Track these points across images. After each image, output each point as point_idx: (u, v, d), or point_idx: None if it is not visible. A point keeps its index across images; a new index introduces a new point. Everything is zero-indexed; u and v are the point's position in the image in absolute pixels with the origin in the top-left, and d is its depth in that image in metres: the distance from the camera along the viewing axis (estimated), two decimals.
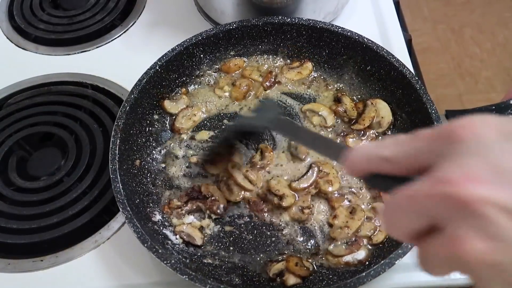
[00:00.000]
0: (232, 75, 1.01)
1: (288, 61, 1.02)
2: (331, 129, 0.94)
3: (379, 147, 0.43)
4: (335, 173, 0.87)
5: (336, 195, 0.86)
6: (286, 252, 0.81)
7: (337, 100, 0.96)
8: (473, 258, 0.33)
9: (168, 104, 0.96)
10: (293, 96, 0.99)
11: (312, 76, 1.00)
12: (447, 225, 0.36)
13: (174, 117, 0.95)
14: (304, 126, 0.93)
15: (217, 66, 1.01)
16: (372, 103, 0.93)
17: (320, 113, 0.94)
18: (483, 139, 0.36)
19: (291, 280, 0.77)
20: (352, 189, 0.86)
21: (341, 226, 0.81)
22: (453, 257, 0.35)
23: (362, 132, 0.92)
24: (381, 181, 0.45)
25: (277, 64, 1.02)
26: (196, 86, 1.00)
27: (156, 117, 0.95)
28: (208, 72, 1.01)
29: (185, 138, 0.94)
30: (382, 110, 0.93)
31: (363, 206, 0.84)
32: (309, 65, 1.00)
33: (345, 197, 0.85)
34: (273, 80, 0.99)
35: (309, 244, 0.82)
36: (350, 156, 0.46)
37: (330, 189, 0.86)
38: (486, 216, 0.33)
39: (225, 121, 0.96)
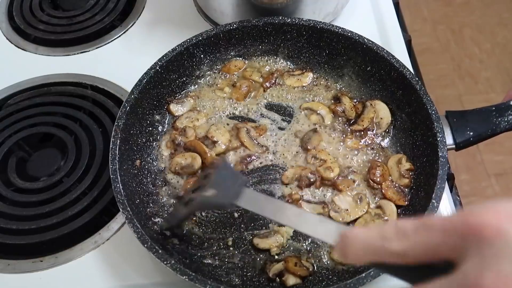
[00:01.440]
0: (232, 75, 1.01)
1: (290, 65, 1.02)
2: (328, 128, 0.94)
3: (382, 238, 0.40)
4: (332, 159, 0.88)
5: (340, 179, 0.87)
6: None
7: (337, 100, 0.96)
8: None
9: (173, 107, 0.96)
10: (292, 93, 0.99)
11: (313, 84, 1.00)
12: None
13: (177, 117, 0.96)
14: (276, 199, 0.85)
15: (218, 67, 1.01)
16: (371, 104, 0.93)
17: (318, 111, 0.95)
18: (508, 237, 0.34)
19: (291, 280, 0.77)
20: (352, 169, 0.88)
21: (340, 208, 0.82)
22: None
23: (362, 132, 0.92)
24: (388, 267, 0.41)
25: (278, 67, 1.02)
26: (198, 87, 1.00)
27: (157, 117, 0.95)
28: (208, 73, 1.01)
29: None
30: (381, 111, 0.93)
31: (370, 200, 0.85)
32: (310, 74, 1.00)
33: (349, 177, 0.87)
34: (273, 81, 0.99)
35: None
36: (344, 246, 0.43)
37: (331, 175, 0.86)
38: None
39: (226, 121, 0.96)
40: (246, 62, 1.02)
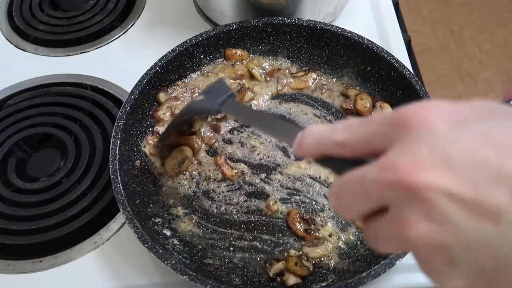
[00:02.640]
0: (232, 62, 1.00)
1: (293, 66, 1.01)
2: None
3: (331, 131, 0.44)
4: None
5: None
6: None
7: (345, 96, 0.97)
8: (417, 238, 0.35)
9: (162, 97, 0.95)
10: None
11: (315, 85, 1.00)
12: (394, 208, 0.37)
13: (159, 105, 0.95)
14: (256, 109, 0.92)
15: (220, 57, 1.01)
16: (380, 106, 0.93)
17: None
18: (432, 127, 0.37)
19: (291, 280, 0.77)
20: None
21: None
22: (399, 236, 0.37)
23: None
24: (333, 163, 0.46)
25: (280, 66, 1.02)
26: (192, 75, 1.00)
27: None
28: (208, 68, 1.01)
29: None
30: None
31: None
32: (313, 74, 1.00)
33: None
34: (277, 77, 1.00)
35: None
36: (301, 139, 0.47)
37: None
38: (431, 200, 0.34)
39: None
40: (250, 56, 1.02)
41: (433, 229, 0.35)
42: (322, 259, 0.80)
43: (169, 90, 0.96)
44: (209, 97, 0.78)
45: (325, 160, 0.46)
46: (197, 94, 0.91)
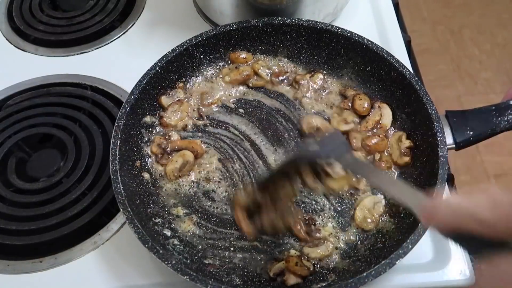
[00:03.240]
0: (236, 64, 1.00)
1: (297, 68, 1.02)
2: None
3: (473, 205, 0.40)
4: None
5: None
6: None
7: (343, 96, 0.97)
8: None
9: (164, 100, 0.95)
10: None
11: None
12: None
13: (163, 111, 0.96)
14: (374, 167, 0.87)
15: (225, 59, 1.01)
16: (378, 106, 0.93)
17: None
18: None
19: (292, 279, 0.76)
20: None
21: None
22: None
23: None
24: (467, 240, 0.41)
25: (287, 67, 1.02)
26: (195, 79, 1.00)
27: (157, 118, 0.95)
28: (209, 68, 1.01)
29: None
30: (384, 116, 0.93)
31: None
32: (319, 75, 1.00)
33: None
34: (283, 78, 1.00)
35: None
36: (433, 207, 0.44)
37: None
38: None
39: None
40: (254, 58, 1.02)
41: None
42: (322, 259, 0.80)
43: (170, 93, 0.96)
44: (326, 147, 0.73)
45: (457, 236, 0.43)
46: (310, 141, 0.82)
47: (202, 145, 0.93)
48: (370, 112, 0.93)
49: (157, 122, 0.94)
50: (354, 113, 0.94)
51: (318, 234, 0.82)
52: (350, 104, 0.95)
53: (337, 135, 0.78)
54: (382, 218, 0.83)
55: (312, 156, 0.74)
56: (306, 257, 0.79)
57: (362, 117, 0.94)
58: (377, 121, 0.92)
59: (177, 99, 0.96)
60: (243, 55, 1.00)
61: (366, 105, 0.94)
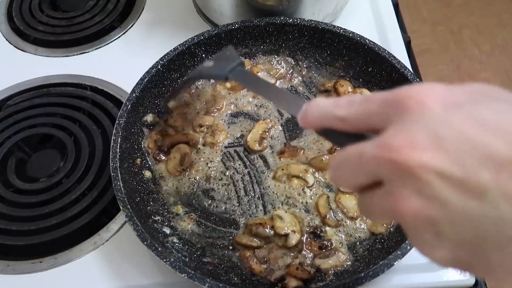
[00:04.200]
0: None
1: (299, 70, 1.02)
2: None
3: (334, 105, 0.47)
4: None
5: None
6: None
7: (326, 91, 0.98)
8: (408, 212, 0.38)
9: (172, 104, 0.96)
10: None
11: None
12: (388, 183, 0.40)
13: (169, 113, 0.96)
14: (263, 79, 0.91)
15: None
16: (360, 93, 0.95)
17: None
18: (427, 109, 0.40)
19: (293, 283, 0.76)
20: None
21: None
22: (391, 209, 0.40)
23: None
24: (334, 135, 0.48)
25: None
26: (200, 82, 1.00)
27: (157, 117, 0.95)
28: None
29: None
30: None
31: None
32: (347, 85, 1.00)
33: None
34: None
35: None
36: (305, 111, 0.50)
37: None
38: (423, 179, 0.37)
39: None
40: (252, 64, 1.02)
41: (423, 204, 0.37)
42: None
43: (178, 96, 0.97)
44: (219, 63, 0.80)
45: (326, 133, 0.49)
46: (206, 60, 0.91)
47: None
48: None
49: (158, 121, 0.95)
50: None
51: (329, 246, 0.81)
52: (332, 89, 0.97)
53: (229, 51, 0.83)
54: (394, 221, 0.83)
55: (209, 74, 0.84)
56: (317, 268, 0.79)
57: None
58: None
59: (183, 103, 0.97)
60: None
61: (350, 89, 0.96)
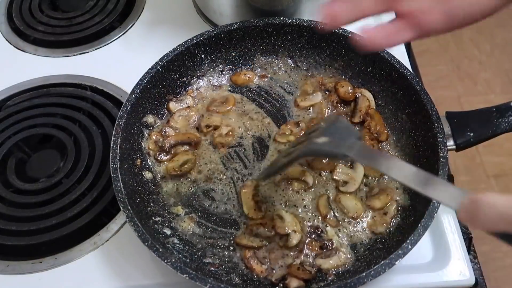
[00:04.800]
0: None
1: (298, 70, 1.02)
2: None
3: None
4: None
5: None
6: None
7: (328, 91, 0.98)
8: None
9: (173, 106, 0.96)
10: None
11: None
12: None
13: (171, 115, 0.96)
14: (394, 157, 0.84)
15: (222, 70, 1.02)
16: (361, 94, 0.95)
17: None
18: None
19: (294, 283, 0.76)
20: None
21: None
22: None
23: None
24: None
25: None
26: (199, 86, 1.00)
27: (157, 117, 0.95)
28: (210, 72, 1.01)
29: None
30: (370, 99, 0.95)
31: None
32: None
33: None
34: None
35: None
36: (474, 209, 0.43)
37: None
38: None
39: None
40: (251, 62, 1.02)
41: None
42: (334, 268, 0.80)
43: (179, 99, 0.97)
44: (334, 139, 0.71)
45: (505, 236, 0.42)
46: (314, 132, 0.79)
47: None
48: (358, 102, 0.95)
49: (158, 122, 0.95)
50: (342, 102, 0.97)
51: (330, 245, 0.81)
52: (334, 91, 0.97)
53: (342, 123, 0.75)
54: (394, 221, 0.83)
55: (325, 151, 0.73)
56: (318, 268, 0.79)
57: (349, 103, 0.96)
58: (367, 106, 0.94)
59: (186, 105, 0.97)
60: (244, 73, 1.02)
61: (350, 89, 0.96)
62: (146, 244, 0.73)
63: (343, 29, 0.95)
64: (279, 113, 0.97)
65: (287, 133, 0.93)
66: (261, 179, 0.87)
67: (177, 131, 0.94)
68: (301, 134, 0.92)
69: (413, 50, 1.12)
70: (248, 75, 1.01)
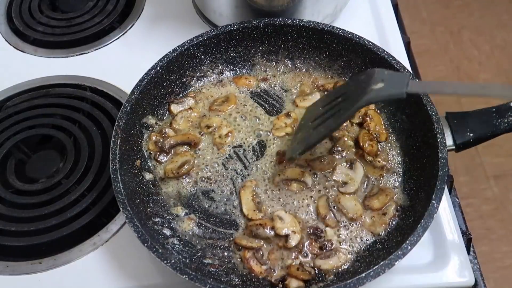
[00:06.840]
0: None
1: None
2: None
3: None
4: None
5: None
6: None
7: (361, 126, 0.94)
8: None
9: (174, 108, 0.96)
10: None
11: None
12: None
13: (173, 117, 0.96)
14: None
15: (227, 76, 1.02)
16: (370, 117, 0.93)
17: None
18: None
19: (293, 283, 0.76)
20: None
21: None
22: None
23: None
24: None
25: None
26: (199, 87, 1.00)
27: (156, 118, 0.95)
28: (210, 72, 1.01)
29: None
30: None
31: None
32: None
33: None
34: None
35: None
36: None
37: None
38: None
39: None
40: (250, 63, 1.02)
41: None
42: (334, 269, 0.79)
43: (181, 101, 0.97)
44: (388, 82, 0.75)
45: None
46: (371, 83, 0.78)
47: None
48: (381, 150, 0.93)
49: (158, 122, 0.95)
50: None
51: (329, 246, 0.81)
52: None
53: (385, 69, 0.79)
54: (393, 221, 0.83)
55: (383, 96, 0.76)
56: (317, 269, 0.79)
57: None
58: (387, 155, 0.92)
59: (187, 106, 0.97)
60: (245, 77, 1.02)
61: None
62: (145, 244, 0.73)
63: (343, 29, 0.95)
64: (279, 113, 0.97)
65: (282, 125, 0.94)
66: (300, 153, 0.84)
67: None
68: (294, 125, 0.93)
69: (413, 50, 1.12)
70: (249, 80, 1.01)
